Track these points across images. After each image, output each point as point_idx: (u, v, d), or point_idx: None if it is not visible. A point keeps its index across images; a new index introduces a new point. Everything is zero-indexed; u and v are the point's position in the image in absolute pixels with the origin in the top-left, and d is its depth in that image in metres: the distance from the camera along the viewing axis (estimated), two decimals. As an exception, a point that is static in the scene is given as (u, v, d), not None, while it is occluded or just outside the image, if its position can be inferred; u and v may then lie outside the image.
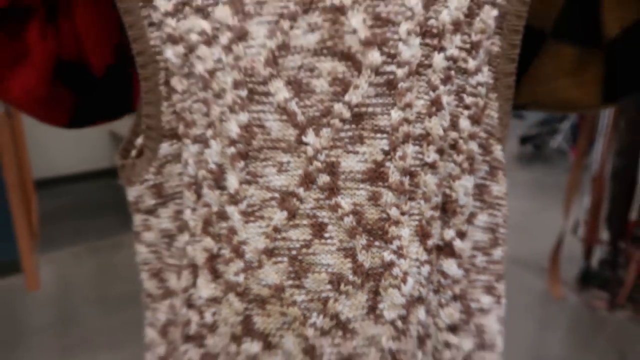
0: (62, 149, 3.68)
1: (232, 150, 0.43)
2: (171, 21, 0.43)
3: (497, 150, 0.48)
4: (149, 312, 0.56)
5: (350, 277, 0.43)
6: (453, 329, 0.47)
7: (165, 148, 0.47)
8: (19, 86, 0.50)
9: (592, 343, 2.03)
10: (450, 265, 0.46)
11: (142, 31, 0.45)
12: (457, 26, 0.42)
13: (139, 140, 0.49)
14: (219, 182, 0.44)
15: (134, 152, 0.51)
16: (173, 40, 0.44)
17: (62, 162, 3.76)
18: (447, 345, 0.47)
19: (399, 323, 0.43)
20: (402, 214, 0.43)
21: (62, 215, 3.17)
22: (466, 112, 0.44)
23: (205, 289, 0.46)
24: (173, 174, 0.48)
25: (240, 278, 0.44)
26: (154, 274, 0.53)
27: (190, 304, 0.48)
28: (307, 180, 0.43)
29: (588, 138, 2.10)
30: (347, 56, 0.41)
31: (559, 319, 2.15)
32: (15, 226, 1.73)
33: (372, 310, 0.43)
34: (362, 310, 0.43)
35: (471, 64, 0.43)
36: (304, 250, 0.43)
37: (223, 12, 0.41)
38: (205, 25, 0.42)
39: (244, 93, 0.42)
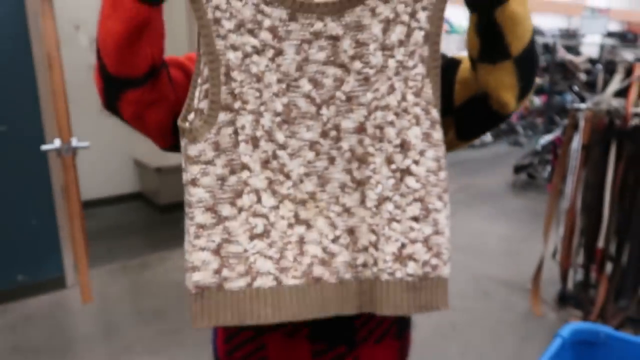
0: (90, 175, 4.00)
1: (278, 119, 0.72)
2: (232, 35, 0.69)
3: (434, 111, 0.75)
4: (201, 240, 0.74)
5: (350, 184, 0.75)
6: (416, 219, 0.76)
7: (222, 116, 0.72)
8: (154, 120, 0.80)
9: (568, 355, 2.30)
10: (410, 181, 0.75)
11: (211, 40, 0.70)
12: (400, 43, 0.71)
13: (191, 116, 0.74)
14: (271, 137, 0.73)
15: (191, 117, 0.74)
16: (234, 48, 0.70)
17: (90, 187, 4.07)
18: (412, 229, 0.76)
19: (374, 209, 0.76)
20: (376, 150, 0.74)
21: (94, 236, 3.47)
22: (411, 90, 0.73)
23: (269, 201, 0.74)
24: (226, 135, 0.72)
25: (291, 191, 0.74)
26: (208, 208, 0.74)
27: (255, 214, 0.74)
28: (324, 134, 0.73)
29: (561, 176, 2.42)
30: (342, 65, 0.71)
31: (539, 334, 2.42)
32: (76, 247, 2.05)
33: (362, 201, 0.75)
34: (357, 201, 0.76)
35: (411, 63, 0.72)
36: (325, 171, 0.75)
37: (266, 35, 0.69)
38: (255, 42, 0.69)
39: (284, 86, 0.71)
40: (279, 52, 0.71)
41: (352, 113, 0.73)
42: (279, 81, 0.72)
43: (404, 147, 0.75)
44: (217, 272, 0.74)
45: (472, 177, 5.32)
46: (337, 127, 0.74)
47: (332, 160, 0.75)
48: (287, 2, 0.70)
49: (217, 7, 0.70)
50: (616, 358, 0.86)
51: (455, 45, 6.73)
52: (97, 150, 4.24)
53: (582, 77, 5.38)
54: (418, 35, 0.73)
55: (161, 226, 3.95)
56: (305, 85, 0.72)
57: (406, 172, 0.75)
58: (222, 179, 0.74)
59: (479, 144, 6.85)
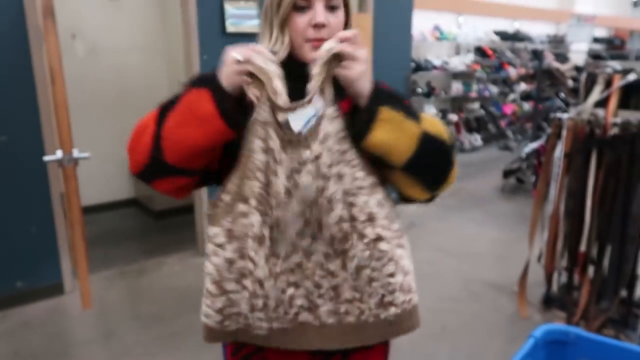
0: (86, 182, 4.04)
1: (274, 223, 0.86)
2: (261, 143, 0.84)
3: (380, 190, 0.89)
4: (208, 300, 0.90)
5: (332, 254, 0.87)
6: (391, 275, 0.89)
7: (241, 207, 0.86)
8: (187, 191, 0.93)
9: (553, 356, 2.38)
10: (383, 245, 0.88)
11: (251, 138, 0.84)
12: (337, 132, 0.84)
13: (225, 196, 0.87)
14: (270, 235, 0.86)
15: (221, 204, 0.87)
16: (264, 151, 0.84)
17: (86, 194, 4.10)
18: (390, 283, 0.89)
19: (354, 274, 0.87)
20: (351, 229, 0.86)
21: (91, 242, 3.50)
22: (356, 169, 0.86)
23: (268, 283, 0.87)
24: (239, 225, 0.86)
25: (284, 266, 0.87)
26: (215, 282, 0.89)
27: (257, 296, 0.87)
28: (307, 223, 0.86)
29: (545, 183, 2.51)
30: (324, 177, 0.84)
31: (525, 335, 2.48)
32: (76, 254, 2.11)
33: (344, 266, 0.87)
34: (339, 266, 0.87)
35: (345, 146, 0.85)
36: (309, 247, 0.87)
37: (269, 155, 0.83)
38: (263, 158, 0.84)
39: (280, 202, 0.85)
40: (276, 172, 0.83)
41: (332, 211, 0.85)
42: (276, 196, 0.84)
43: (370, 219, 0.87)
44: (220, 323, 0.90)
45: (463, 182, 5.41)
46: (319, 221, 0.86)
47: (314, 238, 0.87)
48: (279, 135, 0.82)
49: (259, 112, 0.83)
50: (584, 356, 0.94)
51: (445, 52, 6.86)
52: (93, 157, 4.27)
53: (570, 83, 5.50)
54: (340, 121, 0.85)
55: (157, 232, 4.00)
56: (295, 206, 0.85)
57: (377, 239, 0.87)
58: (230, 262, 0.87)
59: (470, 148, 6.96)
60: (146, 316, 2.65)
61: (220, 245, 0.87)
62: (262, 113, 0.83)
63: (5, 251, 2.65)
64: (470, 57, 6.97)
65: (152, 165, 0.85)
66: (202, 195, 3.34)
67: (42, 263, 2.76)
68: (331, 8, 0.86)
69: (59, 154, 1.94)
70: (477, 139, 7.14)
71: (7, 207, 2.62)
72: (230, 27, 3.22)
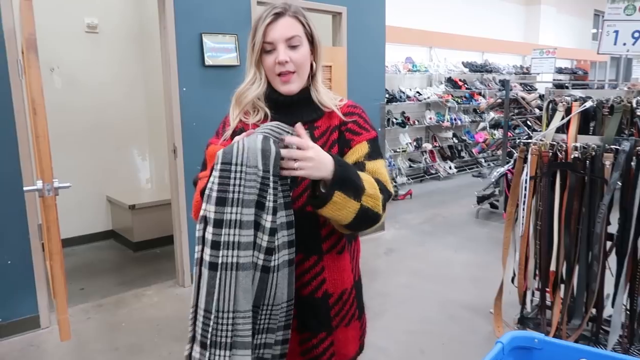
0: (63, 214, 4.01)
1: None
2: None
3: None
4: None
5: None
6: None
7: None
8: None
9: (529, 374, 2.43)
10: None
11: None
12: None
13: None
14: None
15: None
16: None
17: (63, 227, 4.06)
18: None
19: None
20: None
21: (68, 275, 3.45)
22: None
23: None
24: None
25: None
26: None
27: None
28: None
29: (514, 205, 2.62)
30: None
31: (502, 355, 2.55)
32: (55, 285, 2.09)
33: None
34: None
35: None
36: None
37: None
38: None
39: None
40: None
41: None
42: None
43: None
44: None
45: (439, 208, 5.53)
46: None
47: None
48: None
49: None
50: (548, 359, 1.00)
51: (418, 83, 7.10)
52: (70, 189, 4.24)
53: (536, 111, 5.75)
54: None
55: (135, 263, 3.97)
56: None
57: None
58: None
59: (444, 176, 7.13)
60: (124, 348, 2.62)
61: None
62: None
63: (-20, 285, 2.61)
64: (442, 88, 7.23)
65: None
66: (181, 226, 3.35)
67: (17, 297, 2.72)
68: (292, 47, 1.04)
69: (39, 184, 1.96)
70: (451, 166, 7.32)
71: (-18, 239, 2.59)
72: (209, 60, 3.31)
